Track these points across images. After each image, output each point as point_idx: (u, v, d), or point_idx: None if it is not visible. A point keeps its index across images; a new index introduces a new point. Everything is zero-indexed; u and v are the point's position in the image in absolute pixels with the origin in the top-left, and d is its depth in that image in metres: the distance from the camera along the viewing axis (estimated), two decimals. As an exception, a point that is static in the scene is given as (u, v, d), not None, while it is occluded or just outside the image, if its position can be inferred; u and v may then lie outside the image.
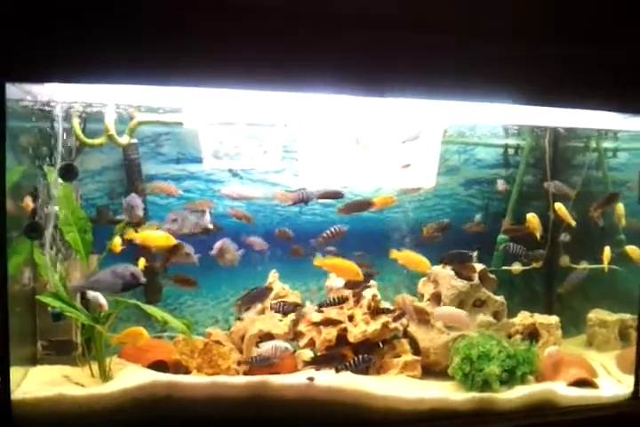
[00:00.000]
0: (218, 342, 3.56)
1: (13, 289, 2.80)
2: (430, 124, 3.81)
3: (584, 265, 4.30)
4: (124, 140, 3.60)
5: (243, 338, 3.66)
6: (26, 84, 2.67)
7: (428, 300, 3.95)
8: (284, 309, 3.44)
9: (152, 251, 3.39)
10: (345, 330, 3.61)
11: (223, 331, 3.82)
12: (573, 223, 4.14)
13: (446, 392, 3.30)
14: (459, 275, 3.83)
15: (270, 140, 3.75)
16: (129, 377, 3.08)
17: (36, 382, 3.07)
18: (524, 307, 4.22)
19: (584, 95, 2.98)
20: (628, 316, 4.18)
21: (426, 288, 4.05)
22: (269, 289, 3.61)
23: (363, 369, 3.31)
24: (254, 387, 3.06)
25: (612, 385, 3.51)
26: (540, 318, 4.02)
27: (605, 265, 4.13)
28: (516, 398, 3.26)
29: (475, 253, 3.76)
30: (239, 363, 3.45)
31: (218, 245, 3.41)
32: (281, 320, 3.66)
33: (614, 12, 2.99)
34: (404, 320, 3.74)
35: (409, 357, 3.63)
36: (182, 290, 3.77)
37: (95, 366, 3.27)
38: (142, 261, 3.48)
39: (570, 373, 3.50)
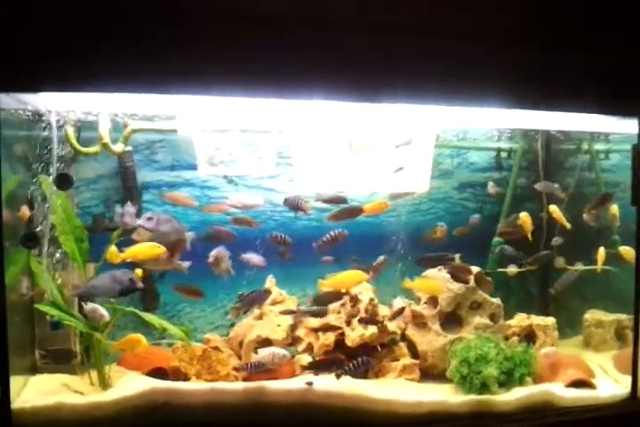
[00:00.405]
0: (216, 349, 3.56)
1: (11, 299, 2.80)
2: (423, 129, 3.83)
3: (578, 266, 4.31)
4: (119, 147, 3.61)
5: (241, 344, 3.66)
6: (19, 93, 2.66)
7: (425, 303, 3.96)
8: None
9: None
10: (343, 335, 3.62)
11: (221, 337, 3.81)
12: (568, 226, 4.17)
13: (445, 395, 3.31)
14: (455, 278, 3.84)
15: (265, 147, 3.76)
16: (128, 385, 3.08)
17: (35, 391, 3.06)
18: (521, 309, 4.23)
19: (573, 98, 3.00)
20: (624, 316, 4.18)
21: (422, 292, 4.05)
22: (268, 292, 3.59)
23: (361, 373, 3.31)
24: (253, 393, 3.06)
25: (610, 385, 3.52)
26: (537, 320, 4.03)
27: (599, 266, 4.15)
28: (514, 399, 3.26)
29: (457, 256, 3.78)
30: (237, 369, 3.45)
31: (214, 253, 3.42)
32: (279, 325, 3.66)
33: (602, 13, 3.02)
34: (401, 323, 3.76)
35: (407, 360, 3.64)
36: (188, 299, 3.75)
37: (94, 375, 3.27)
38: (139, 271, 3.46)
39: (567, 374, 3.51)
